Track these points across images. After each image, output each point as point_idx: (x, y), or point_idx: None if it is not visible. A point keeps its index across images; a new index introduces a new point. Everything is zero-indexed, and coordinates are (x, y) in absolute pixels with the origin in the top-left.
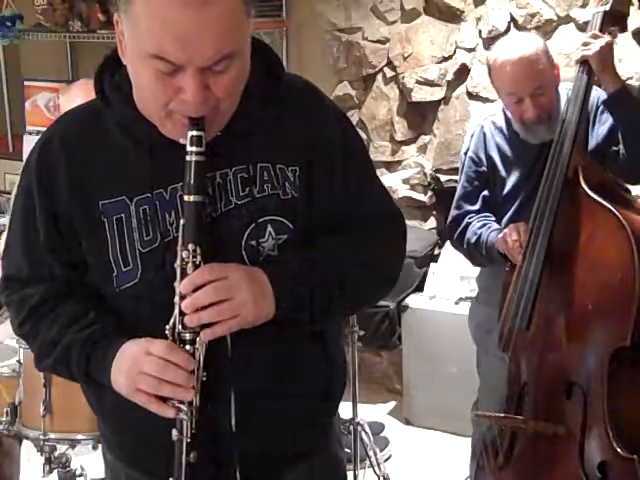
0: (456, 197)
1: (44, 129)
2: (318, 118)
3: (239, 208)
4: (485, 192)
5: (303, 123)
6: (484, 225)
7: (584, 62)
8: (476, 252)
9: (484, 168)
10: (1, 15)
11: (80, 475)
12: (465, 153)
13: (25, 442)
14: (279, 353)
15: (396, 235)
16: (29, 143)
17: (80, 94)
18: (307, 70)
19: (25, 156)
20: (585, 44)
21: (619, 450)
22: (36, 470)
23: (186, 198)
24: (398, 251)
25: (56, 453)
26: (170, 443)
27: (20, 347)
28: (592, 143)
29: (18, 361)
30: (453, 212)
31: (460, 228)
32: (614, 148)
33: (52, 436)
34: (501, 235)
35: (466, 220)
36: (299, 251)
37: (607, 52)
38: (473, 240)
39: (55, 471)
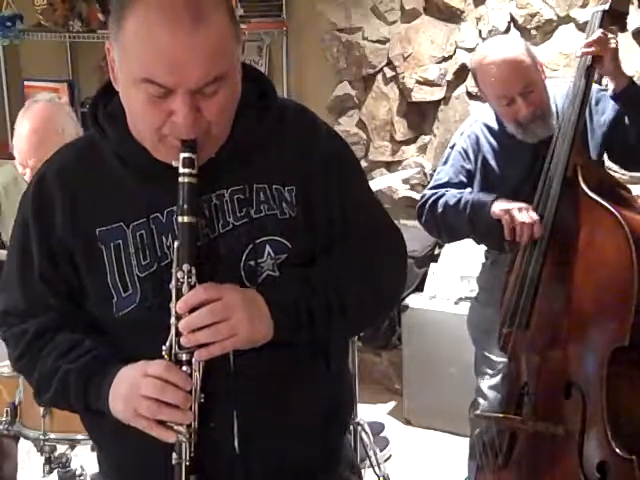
0: (435, 183)
1: None
2: (312, 137)
3: (237, 229)
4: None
5: (298, 143)
6: (463, 191)
7: (587, 69)
8: (455, 215)
9: (471, 166)
10: (1, 15)
11: (80, 475)
12: (452, 147)
13: (25, 442)
14: (282, 373)
15: (395, 252)
16: None
17: (31, 120)
18: (307, 70)
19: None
20: (596, 42)
21: (618, 450)
22: (36, 470)
23: (180, 219)
24: (398, 268)
25: (56, 453)
26: (168, 470)
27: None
28: (598, 132)
29: None
30: (428, 191)
31: (434, 197)
32: (622, 136)
33: (52, 436)
34: (506, 206)
35: (441, 192)
36: (298, 271)
37: (617, 50)
38: (452, 202)
39: (55, 471)
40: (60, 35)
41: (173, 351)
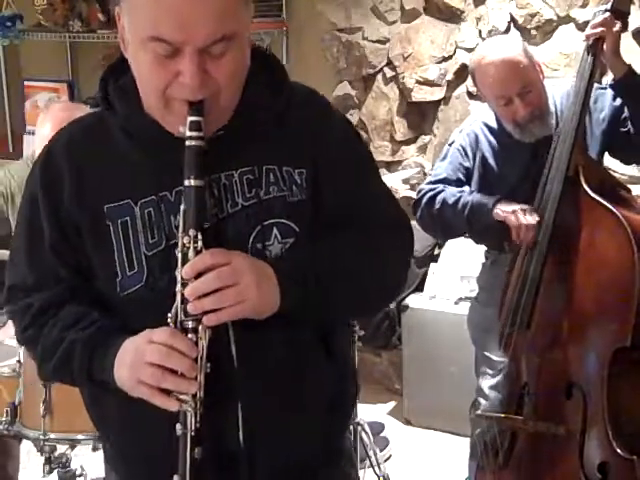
0: (432, 178)
1: None
2: (323, 120)
3: (245, 209)
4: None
5: (309, 125)
6: (463, 190)
7: (591, 47)
8: (452, 214)
9: (469, 164)
10: (1, 15)
11: (80, 475)
12: (451, 144)
13: (25, 442)
14: (287, 368)
15: (403, 245)
16: (29, 143)
17: (52, 121)
18: (307, 70)
19: (25, 156)
20: (601, 24)
21: (619, 450)
22: (36, 470)
23: (186, 183)
24: (404, 261)
25: (56, 453)
26: (173, 445)
27: (20, 347)
28: (597, 131)
29: (18, 361)
30: (426, 186)
31: (432, 193)
32: (622, 130)
33: (52, 436)
34: (510, 207)
35: (439, 189)
36: (306, 252)
37: (619, 36)
38: (451, 201)
39: (55, 471)
40: (60, 35)
41: (179, 319)
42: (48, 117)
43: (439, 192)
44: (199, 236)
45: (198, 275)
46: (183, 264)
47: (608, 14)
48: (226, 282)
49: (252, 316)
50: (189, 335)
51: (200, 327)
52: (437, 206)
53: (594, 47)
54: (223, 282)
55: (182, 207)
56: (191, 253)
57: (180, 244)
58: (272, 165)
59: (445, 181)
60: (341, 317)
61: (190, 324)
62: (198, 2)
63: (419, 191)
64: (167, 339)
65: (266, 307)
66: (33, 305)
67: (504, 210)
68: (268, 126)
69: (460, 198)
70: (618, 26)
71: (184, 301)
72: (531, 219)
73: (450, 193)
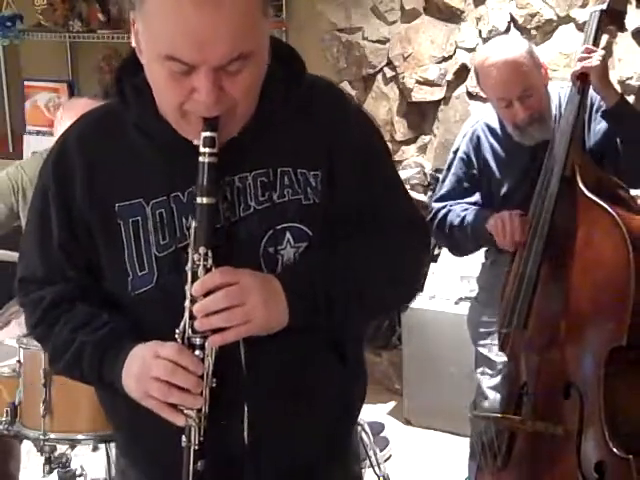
0: (440, 193)
1: (44, 129)
2: (341, 120)
3: (258, 213)
4: (477, 196)
5: (326, 125)
6: (467, 208)
7: (578, 77)
8: (460, 235)
9: (474, 171)
10: (1, 15)
11: (80, 475)
12: (455, 152)
13: (25, 442)
14: (295, 370)
15: (419, 245)
16: (29, 143)
17: (71, 118)
18: (307, 70)
19: (25, 156)
20: (582, 59)
21: (615, 450)
22: (36, 470)
23: (198, 200)
24: (420, 261)
25: (56, 453)
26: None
27: (20, 347)
28: (590, 141)
29: (18, 361)
30: (436, 205)
31: (441, 215)
32: (614, 145)
33: (52, 436)
34: (496, 218)
35: (447, 207)
36: (318, 258)
37: (605, 65)
38: (457, 222)
39: (55, 471)
40: (60, 35)
41: (186, 335)
42: (69, 114)
43: (448, 213)
44: (209, 254)
45: (207, 293)
46: (193, 281)
47: (585, 47)
48: (233, 302)
49: (259, 334)
50: (196, 351)
51: (207, 344)
52: (447, 231)
53: (581, 82)
54: (230, 302)
55: (193, 224)
56: (201, 270)
57: (190, 261)
58: (287, 167)
59: (452, 194)
60: (356, 322)
61: (197, 341)
62: (218, 22)
63: (430, 210)
64: (173, 355)
65: (273, 325)
66: (45, 298)
67: (491, 224)
68: (284, 127)
69: (464, 218)
70: (599, 55)
71: (192, 317)
72: (509, 226)
73: (456, 214)
